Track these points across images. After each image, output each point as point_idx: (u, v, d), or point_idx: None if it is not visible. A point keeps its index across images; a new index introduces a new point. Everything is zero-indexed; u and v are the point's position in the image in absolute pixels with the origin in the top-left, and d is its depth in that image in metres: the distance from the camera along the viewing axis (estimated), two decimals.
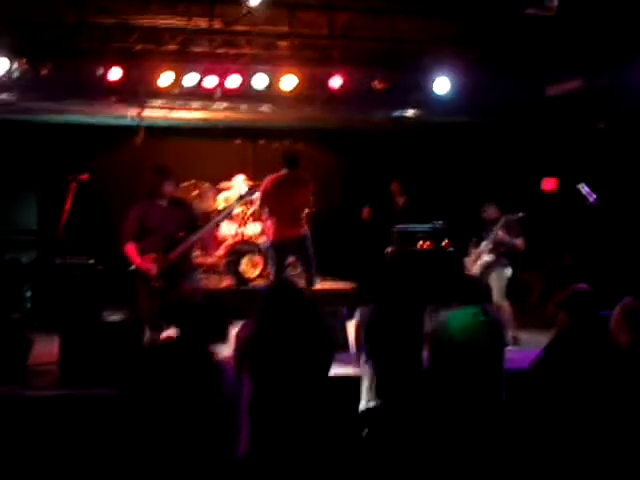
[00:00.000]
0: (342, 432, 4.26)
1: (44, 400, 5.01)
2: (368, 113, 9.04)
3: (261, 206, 7.45)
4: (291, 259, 7.79)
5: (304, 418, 3.99)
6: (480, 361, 4.66)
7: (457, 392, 4.53)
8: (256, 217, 9.05)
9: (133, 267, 5.99)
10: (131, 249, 5.96)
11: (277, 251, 7.21)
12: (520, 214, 7.16)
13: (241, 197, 7.13)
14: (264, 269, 8.83)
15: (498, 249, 7.18)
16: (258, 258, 8.79)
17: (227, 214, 7.19)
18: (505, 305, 7.09)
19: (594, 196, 7.51)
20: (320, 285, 8.44)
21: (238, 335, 4.33)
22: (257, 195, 7.23)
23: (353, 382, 4.71)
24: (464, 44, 7.74)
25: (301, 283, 7.29)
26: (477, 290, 4.91)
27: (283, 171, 7.22)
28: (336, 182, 10.07)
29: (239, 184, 9.06)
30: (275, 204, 7.15)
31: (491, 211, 7.33)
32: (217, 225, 6.92)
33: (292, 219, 7.19)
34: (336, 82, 8.15)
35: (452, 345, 4.70)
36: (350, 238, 8.33)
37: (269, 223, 7.25)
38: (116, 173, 9.19)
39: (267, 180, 7.21)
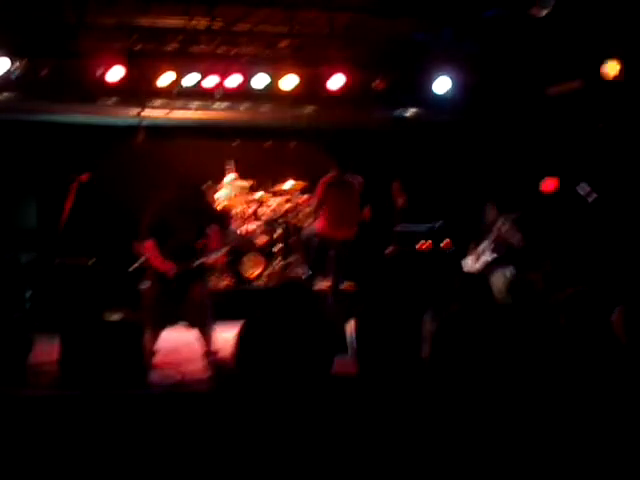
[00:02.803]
0: (341, 431, 4.26)
1: (44, 400, 5.01)
2: (368, 113, 9.03)
3: (316, 207, 7.95)
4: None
5: (302, 417, 3.99)
6: (480, 361, 4.66)
7: (457, 392, 4.53)
8: (256, 217, 9.06)
9: (140, 264, 5.95)
10: (151, 246, 5.90)
11: (321, 245, 7.69)
12: (515, 214, 7.17)
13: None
14: (264, 269, 8.83)
15: (498, 248, 7.19)
16: (258, 258, 8.80)
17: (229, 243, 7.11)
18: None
19: (594, 196, 7.52)
20: (320, 285, 8.46)
21: (238, 334, 4.34)
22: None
23: (353, 382, 4.72)
24: (464, 44, 7.74)
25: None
26: (478, 288, 4.91)
27: (333, 172, 7.77)
28: None
29: (230, 183, 9.11)
30: (329, 204, 7.69)
31: (492, 213, 7.35)
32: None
33: (343, 220, 7.69)
34: (336, 82, 8.14)
35: (452, 344, 4.71)
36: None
37: (321, 218, 7.75)
38: (116, 173, 9.18)
39: (321, 182, 7.77)
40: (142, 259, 6.05)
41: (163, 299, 5.93)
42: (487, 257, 7.19)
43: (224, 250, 6.11)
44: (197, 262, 5.94)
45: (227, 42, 7.82)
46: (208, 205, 6.35)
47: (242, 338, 4.31)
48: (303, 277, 8.72)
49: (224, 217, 6.44)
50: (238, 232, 6.27)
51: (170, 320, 6.11)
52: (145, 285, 6.00)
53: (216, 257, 6.09)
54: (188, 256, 5.94)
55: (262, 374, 4.14)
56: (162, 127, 9.08)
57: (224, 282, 8.69)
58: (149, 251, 5.89)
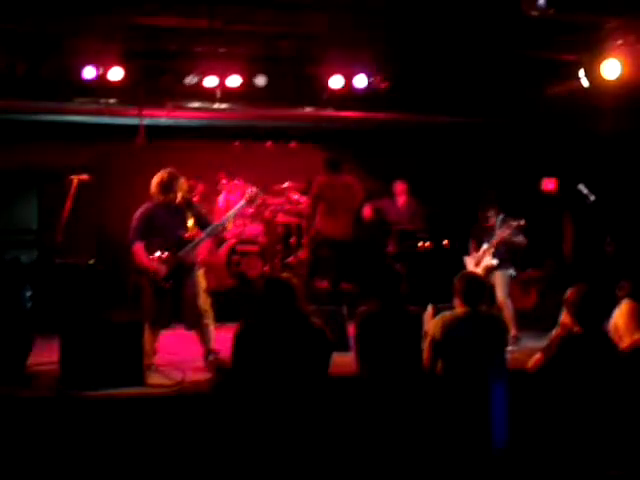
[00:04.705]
0: (342, 431, 4.26)
1: (44, 400, 5.01)
2: (368, 112, 9.04)
3: (312, 207, 8.31)
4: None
5: (295, 417, 3.99)
6: (480, 361, 4.66)
7: (457, 391, 4.53)
8: (256, 217, 9.06)
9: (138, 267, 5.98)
10: (139, 249, 5.95)
11: (315, 245, 8.14)
12: (521, 221, 7.13)
13: (229, 218, 7.02)
14: (264, 269, 8.83)
15: (501, 250, 7.17)
16: (258, 258, 8.80)
17: (222, 227, 7.06)
18: (508, 304, 7.10)
19: (593, 196, 7.52)
20: (320, 285, 8.46)
21: (235, 335, 4.35)
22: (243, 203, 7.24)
23: (353, 382, 4.71)
24: (464, 44, 7.73)
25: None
26: (479, 289, 4.91)
27: (327, 174, 8.14)
28: None
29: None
30: (324, 204, 8.08)
31: (492, 215, 7.33)
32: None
33: (340, 220, 8.04)
34: (336, 82, 8.15)
35: (452, 345, 4.71)
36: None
37: (318, 218, 8.17)
38: (116, 173, 9.19)
39: (315, 183, 8.17)
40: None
41: (159, 299, 5.95)
42: (490, 261, 7.17)
43: (205, 238, 6.16)
44: (183, 251, 5.98)
45: (227, 42, 7.81)
46: (191, 201, 6.40)
47: (239, 338, 4.32)
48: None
49: (205, 213, 6.46)
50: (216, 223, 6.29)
51: (169, 320, 6.12)
52: (142, 285, 6.03)
53: (200, 244, 6.13)
54: (179, 248, 6.00)
55: (260, 373, 4.14)
56: (162, 127, 9.09)
57: (224, 282, 8.68)
58: (138, 254, 5.94)
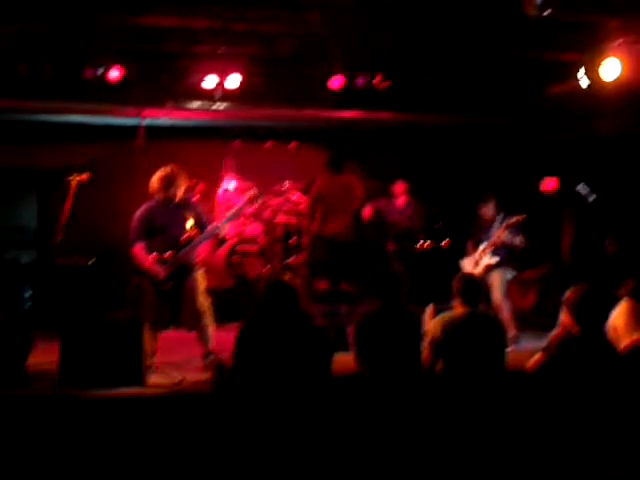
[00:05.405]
0: (341, 431, 4.26)
1: (44, 400, 5.01)
2: (368, 112, 9.03)
3: (311, 207, 8.27)
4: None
5: (296, 418, 3.99)
6: (480, 361, 4.66)
7: (456, 391, 4.54)
8: (256, 217, 9.06)
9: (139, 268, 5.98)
10: (140, 250, 5.95)
11: (315, 245, 8.13)
12: (520, 217, 7.13)
13: (229, 218, 6.97)
14: (264, 269, 8.84)
15: (499, 251, 7.18)
16: (258, 258, 8.80)
17: (222, 228, 7.04)
18: (505, 305, 7.10)
19: (593, 196, 7.51)
20: (320, 285, 8.48)
21: (237, 335, 4.35)
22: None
23: (353, 382, 4.72)
24: (464, 44, 7.73)
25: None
26: (477, 289, 4.92)
27: (328, 174, 8.16)
28: None
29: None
30: (324, 204, 8.07)
31: (490, 209, 7.34)
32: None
33: (339, 220, 8.06)
34: (336, 82, 8.15)
35: (451, 345, 4.71)
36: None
37: (317, 218, 8.15)
38: (116, 173, 9.19)
39: (316, 183, 8.18)
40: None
41: (160, 300, 5.96)
42: (489, 260, 7.17)
43: (205, 238, 6.15)
44: (183, 251, 5.98)
45: (227, 42, 7.81)
46: (190, 201, 6.41)
47: (241, 339, 4.32)
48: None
49: (205, 213, 6.44)
50: (213, 226, 6.27)
51: (169, 321, 6.12)
52: (143, 285, 6.03)
53: (199, 245, 6.12)
54: (179, 249, 6.01)
55: (261, 374, 4.15)
56: (162, 127, 9.09)
57: (224, 282, 8.69)
58: (139, 255, 5.94)
